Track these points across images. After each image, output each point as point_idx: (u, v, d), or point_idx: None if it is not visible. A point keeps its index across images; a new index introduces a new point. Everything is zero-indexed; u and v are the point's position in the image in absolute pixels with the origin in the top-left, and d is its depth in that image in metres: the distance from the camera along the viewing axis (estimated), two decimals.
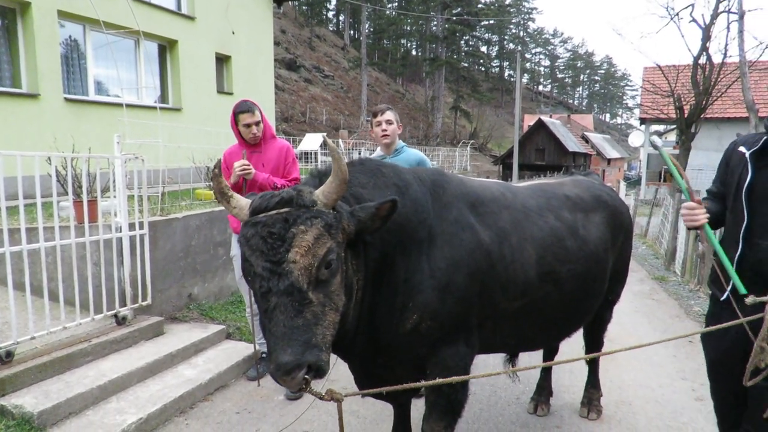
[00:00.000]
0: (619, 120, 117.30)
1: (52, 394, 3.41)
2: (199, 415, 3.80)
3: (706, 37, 11.45)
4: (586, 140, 49.03)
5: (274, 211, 1.85)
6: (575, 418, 3.83)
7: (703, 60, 11.72)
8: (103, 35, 10.49)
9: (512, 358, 3.60)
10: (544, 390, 3.92)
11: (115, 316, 4.37)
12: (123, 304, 4.44)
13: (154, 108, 11.34)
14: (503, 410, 3.93)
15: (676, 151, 25.38)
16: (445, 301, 2.34)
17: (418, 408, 3.33)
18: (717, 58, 11.56)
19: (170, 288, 5.09)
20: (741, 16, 8.69)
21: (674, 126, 32.12)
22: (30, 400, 3.30)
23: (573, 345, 3.89)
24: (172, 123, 10.36)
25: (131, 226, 4.47)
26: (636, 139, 29.17)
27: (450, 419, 2.60)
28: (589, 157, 45.47)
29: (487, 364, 4.61)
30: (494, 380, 4.42)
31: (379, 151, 3.99)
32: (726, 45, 10.92)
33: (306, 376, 1.71)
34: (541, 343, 3.26)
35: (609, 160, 48.15)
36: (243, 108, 3.95)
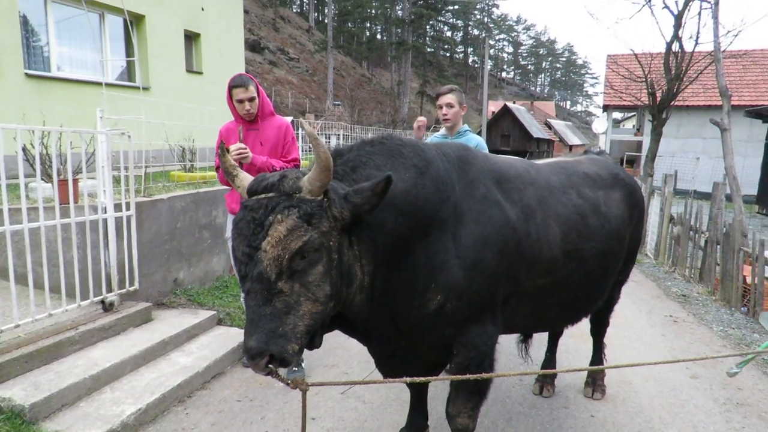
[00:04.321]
0: (579, 107, 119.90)
1: (43, 385, 3.18)
2: (198, 404, 3.63)
3: (678, 24, 11.68)
4: (549, 126, 49.94)
5: (262, 195, 1.84)
6: (581, 398, 3.85)
7: (675, 47, 11.97)
8: (65, 9, 9.93)
9: (526, 339, 3.58)
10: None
11: (102, 302, 4.13)
12: (109, 289, 4.19)
13: (120, 86, 10.85)
14: (509, 392, 3.91)
15: (639, 138, 26.09)
16: (473, 279, 2.28)
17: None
18: (688, 46, 11.88)
19: (156, 272, 4.85)
20: (716, 2, 8.86)
21: (633, 114, 33.02)
22: (19, 392, 3.07)
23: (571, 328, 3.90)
24: (140, 102, 9.89)
25: (117, 207, 4.22)
26: (599, 125, 29.82)
27: (477, 400, 2.57)
28: (553, 143, 46.35)
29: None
30: (497, 359, 4.39)
31: (442, 131, 3.99)
32: (698, 32, 11.26)
33: (270, 365, 1.75)
34: (561, 323, 3.24)
35: (571, 147, 49.13)
36: (237, 82, 3.74)
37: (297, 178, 1.87)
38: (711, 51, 9.76)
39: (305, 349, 3.94)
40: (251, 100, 3.75)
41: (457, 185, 2.35)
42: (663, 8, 11.92)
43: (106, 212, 4.13)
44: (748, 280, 6.12)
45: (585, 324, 3.86)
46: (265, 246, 1.75)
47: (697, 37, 11.59)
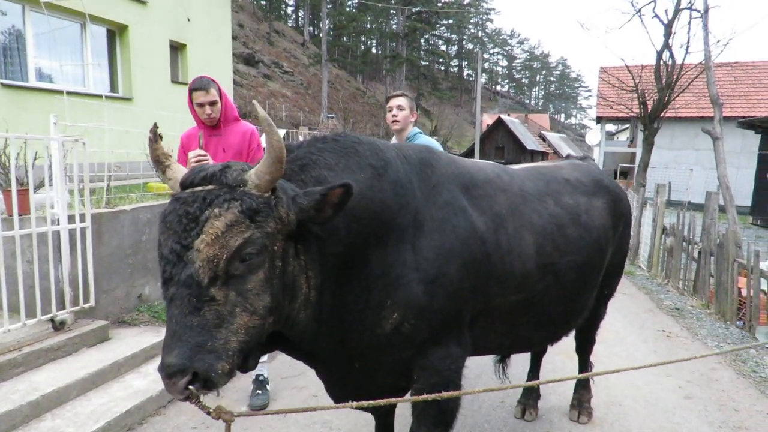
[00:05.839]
0: (573, 120, 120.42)
1: None
2: None
3: (668, 33, 11.59)
4: (543, 139, 49.95)
5: (199, 188, 1.59)
6: (566, 421, 3.58)
7: (665, 56, 11.89)
8: (45, 16, 9.73)
9: (504, 359, 3.31)
10: (531, 392, 3.64)
11: (52, 320, 3.84)
12: (61, 306, 3.91)
13: (102, 97, 10.64)
14: (488, 416, 3.64)
15: (632, 149, 26.01)
16: (434, 296, 2.02)
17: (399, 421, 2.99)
18: (678, 56, 11.80)
19: (117, 288, 4.57)
20: (706, 10, 8.74)
21: (627, 126, 33.03)
22: None
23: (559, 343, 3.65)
24: (122, 112, 9.66)
25: (71, 219, 3.96)
26: (593, 137, 29.69)
27: (442, 431, 2.28)
28: (547, 155, 46.32)
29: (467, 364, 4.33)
30: (475, 382, 4.12)
31: (393, 140, 3.78)
32: (688, 41, 11.15)
33: (191, 386, 1.45)
34: (538, 343, 2.98)
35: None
36: (196, 85, 3.50)
37: (242, 170, 1.64)
38: (702, 61, 9.63)
39: (265, 373, 3.62)
40: (212, 104, 3.51)
41: (418, 190, 2.11)
42: (653, 17, 11.85)
43: (59, 224, 3.88)
44: (744, 292, 5.88)
45: (572, 340, 3.61)
46: (199, 245, 1.49)
47: (688, 46, 11.49)
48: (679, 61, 11.94)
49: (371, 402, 1.78)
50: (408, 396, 2.33)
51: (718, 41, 10.92)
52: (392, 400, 1.90)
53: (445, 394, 1.91)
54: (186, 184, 1.64)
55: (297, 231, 1.69)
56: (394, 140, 3.75)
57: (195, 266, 1.49)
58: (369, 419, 3.50)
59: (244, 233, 1.53)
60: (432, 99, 58.66)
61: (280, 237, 1.64)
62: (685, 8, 11.18)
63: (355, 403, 1.79)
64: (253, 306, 1.58)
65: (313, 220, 1.69)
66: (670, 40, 11.74)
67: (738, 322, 5.92)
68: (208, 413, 1.55)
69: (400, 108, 3.58)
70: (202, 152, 3.35)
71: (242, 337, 1.56)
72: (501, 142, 41.39)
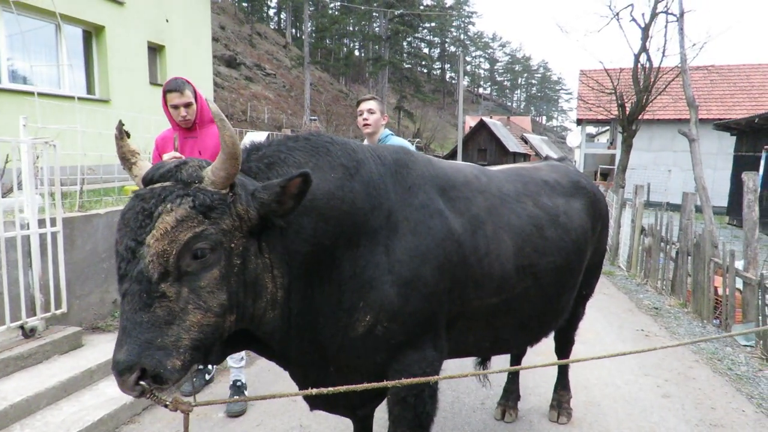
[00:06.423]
0: (554, 122, 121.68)
1: None
2: None
3: (646, 36, 11.77)
4: (525, 141, 50.35)
5: (158, 184, 1.60)
6: (545, 422, 3.58)
7: (643, 59, 12.07)
8: (18, 19, 9.54)
9: (484, 361, 3.30)
10: (511, 394, 3.64)
11: (22, 327, 3.74)
12: (32, 313, 3.81)
13: (77, 99, 10.45)
14: (468, 417, 3.63)
15: (612, 151, 26.34)
16: (408, 298, 2.00)
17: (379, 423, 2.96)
18: (655, 59, 11.99)
19: (91, 293, 4.47)
20: (681, 14, 8.88)
21: (607, 128, 33.49)
22: None
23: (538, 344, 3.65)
24: (99, 114, 9.49)
25: (41, 223, 3.86)
26: (573, 139, 29.99)
27: None
28: (529, 157, 46.72)
29: (448, 365, 4.31)
30: (456, 384, 4.11)
31: (365, 143, 3.74)
32: (664, 44, 11.33)
33: (142, 382, 1.45)
34: (518, 344, 2.97)
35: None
36: (171, 86, 3.43)
37: (199, 166, 1.63)
38: (678, 64, 9.77)
39: (243, 379, 3.55)
40: (187, 105, 3.45)
41: (392, 191, 2.09)
42: (630, 21, 12.02)
43: (28, 228, 3.77)
44: (720, 291, 5.96)
45: (551, 341, 3.61)
46: (149, 240, 1.48)
47: (664, 50, 11.66)
48: (656, 64, 12.16)
49: (331, 389, 1.72)
50: (385, 402, 2.30)
51: (694, 45, 11.09)
52: (350, 387, 1.85)
53: (404, 381, 1.86)
54: (146, 180, 1.63)
55: (260, 226, 1.67)
56: (365, 142, 3.75)
57: (145, 261, 1.48)
58: (348, 423, 3.46)
59: (195, 228, 1.52)
60: (415, 101, 58.84)
61: (238, 234, 1.62)
62: (662, 12, 11.38)
63: (315, 390, 1.75)
64: (207, 303, 1.56)
65: (275, 213, 1.66)
66: (647, 44, 11.92)
67: (714, 321, 6.01)
68: (165, 406, 1.52)
69: (370, 111, 3.60)
70: (178, 154, 3.30)
71: (195, 334, 1.54)
72: (483, 144, 41.64)
